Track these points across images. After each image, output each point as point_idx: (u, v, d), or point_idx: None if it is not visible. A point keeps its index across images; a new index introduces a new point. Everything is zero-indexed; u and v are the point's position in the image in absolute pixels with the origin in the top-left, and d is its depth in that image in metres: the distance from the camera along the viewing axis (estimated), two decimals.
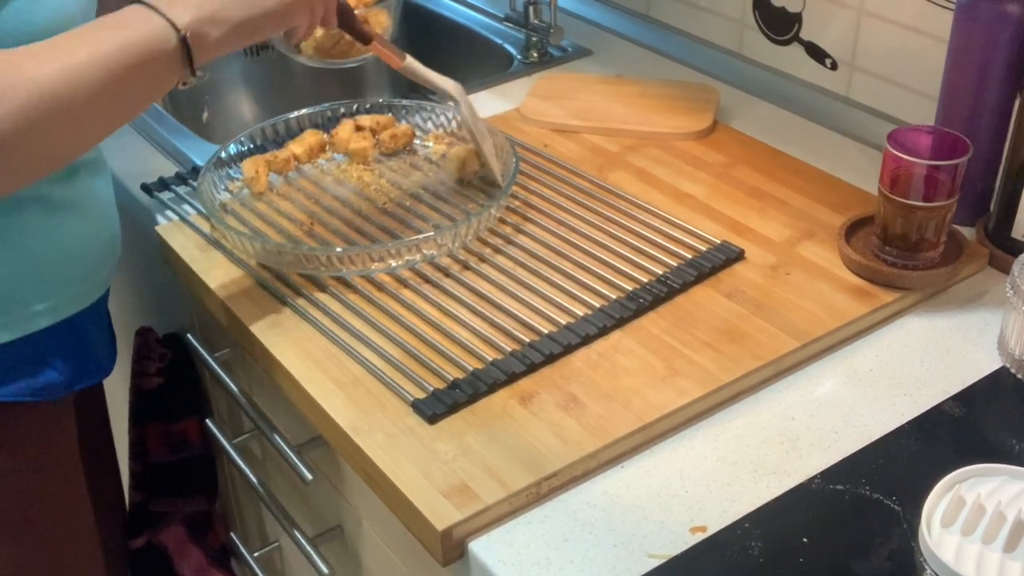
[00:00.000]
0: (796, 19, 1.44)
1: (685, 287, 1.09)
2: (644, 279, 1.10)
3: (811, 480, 0.90)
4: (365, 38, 1.14)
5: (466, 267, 1.13)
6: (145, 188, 1.30)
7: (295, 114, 1.34)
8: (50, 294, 1.05)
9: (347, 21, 1.11)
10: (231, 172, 1.27)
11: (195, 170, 1.31)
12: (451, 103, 1.23)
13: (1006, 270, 1.09)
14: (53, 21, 0.94)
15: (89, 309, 1.10)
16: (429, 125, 1.36)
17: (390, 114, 1.37)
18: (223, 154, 1.27)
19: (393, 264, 1.11)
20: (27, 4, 0.93)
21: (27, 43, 0.91)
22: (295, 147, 1.30)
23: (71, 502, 1.16)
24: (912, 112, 1.32)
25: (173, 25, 0.92)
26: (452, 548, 0.87)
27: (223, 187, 1.25)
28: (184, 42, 0.92)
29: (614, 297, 1.07)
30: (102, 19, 0.93)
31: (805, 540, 0.85)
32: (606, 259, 1.13)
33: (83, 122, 0.89)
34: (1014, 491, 0.86)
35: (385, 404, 0.97)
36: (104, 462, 1.26)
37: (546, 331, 1.04)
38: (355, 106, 1.36)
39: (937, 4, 1.25)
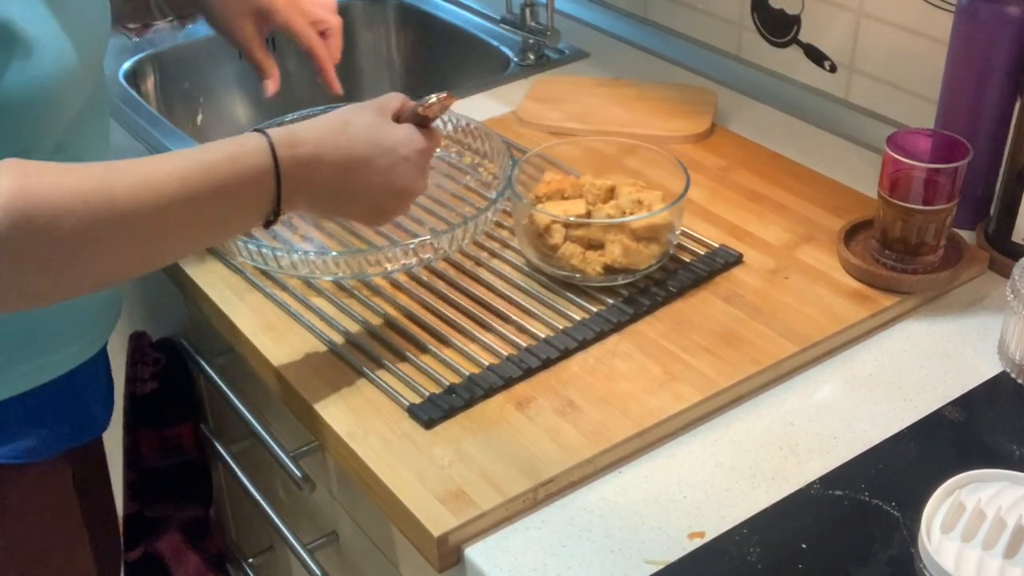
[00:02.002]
0: (795, 21, 1.43)
1: (683, 291, 1.09)
2: (642, 283, 1.09)
3: (810, 486, 0.90)
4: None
5: (462, 271, 1.13)
6: None
7: (290, 116, 1.33)
8: (41, 353, 1.00)
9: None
10: None
11: None
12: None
13: (1006, 274, 1.08)
14: (56, 72, 0.89)
15: (86, 364, 1.06)
16: None
17: None
18: None
19: (389, 268, 1.11)
20: (26, 61, 0.87)
21: (38, 100, 0.88)
22: None
23: (70, 546, 1.11)
24: (912, 115, 1.31)
25: (277, 172, 0.89)
26: (448, 554, 0.86)
27: None
28: (278, 175, 0.89)
29: (611, 301, 1.07)
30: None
31: (804, 546, 0.84)
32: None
33: (157, 238, 0.85)
34: (1014, 497, 0.85)
35: (381, 409, 0.97)
36: (98, 487, 1.24)
37: (543, 336, 1.03)
38: None
39: (937, 6, 1.24)
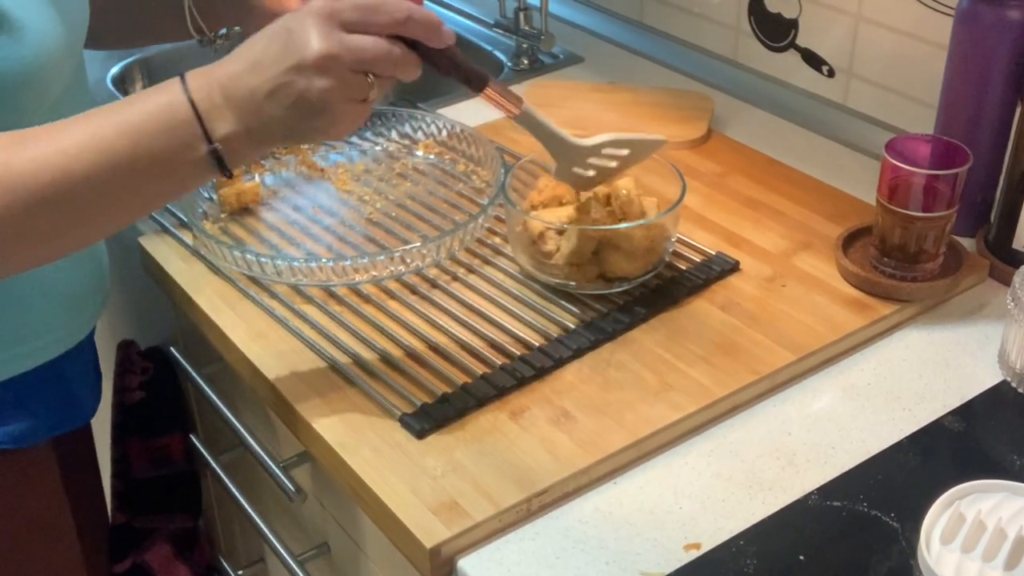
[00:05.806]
0: (792, 25, 1.43)
1: (679, 299, 1.08)
2: (637, 291, 1.08)
3: (808, 496, 0.89)
4: (479, 80, 0.94)
5: (454, 278, 1.12)
6: None
7: None
8: (31, 336, 1.01)
9: (449, 65, 0.93)
10: (214, 182, 1.25)
11: None
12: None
13: (1007, 282, 1.08)
14: (40, 53, 0.90)
15: (74, 350, 1.07)
16: (419, 135, 1.35)
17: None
18: None
19: (379, 275, 1.10)
20: (12, 42, 0.88)
21: (22, 82, 0.88)
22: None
23: (56, 537, 1.12)
24: (911, 120, 1.31)
25: (187, 93, 0.83)
26: (441, 566, 0.85)
27: (206, 195, 1.23)
28: (195, 109, 0.83)
29: (606, 310, 1.06)
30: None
31: (802, 558, 0.83)
32: None
33: (77, 212, 0.82)
34: (1015, 507, 0.84)
35: (373, 419, 0.96)
36: (87, 485, 1.24)
37: (537, 344, 1.02)
38: None
39: (936, 10, 1.23)
